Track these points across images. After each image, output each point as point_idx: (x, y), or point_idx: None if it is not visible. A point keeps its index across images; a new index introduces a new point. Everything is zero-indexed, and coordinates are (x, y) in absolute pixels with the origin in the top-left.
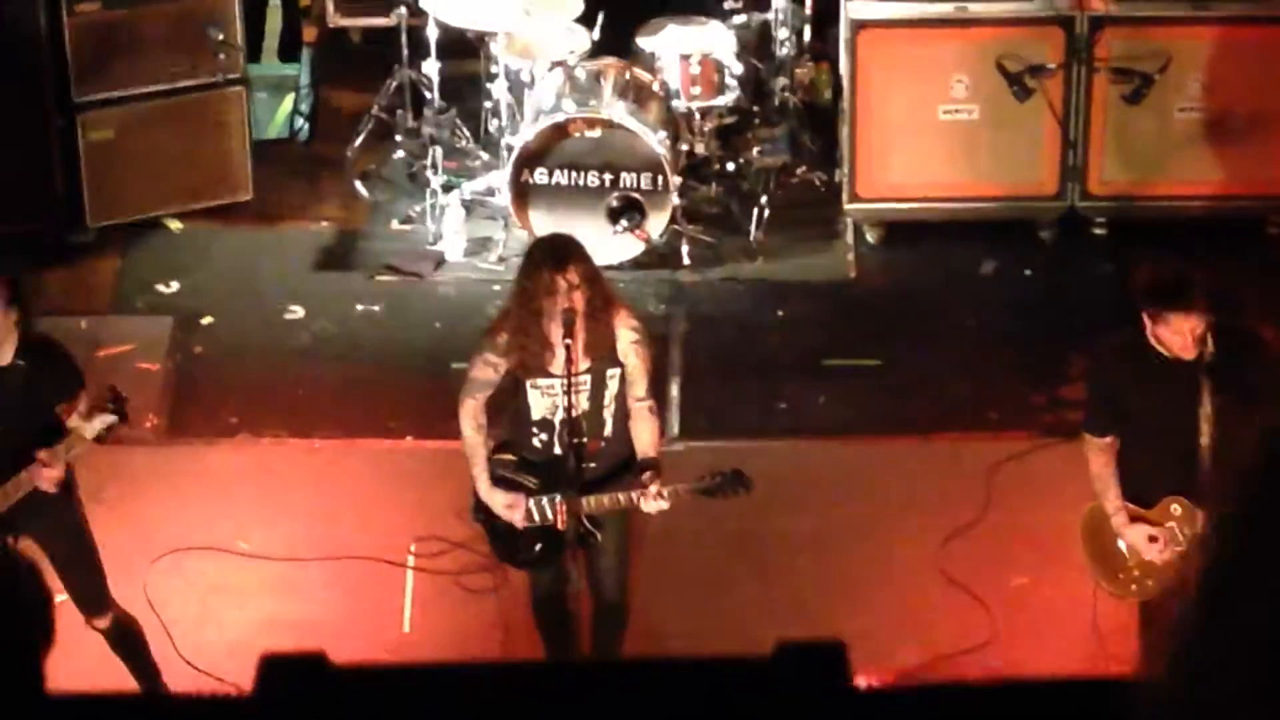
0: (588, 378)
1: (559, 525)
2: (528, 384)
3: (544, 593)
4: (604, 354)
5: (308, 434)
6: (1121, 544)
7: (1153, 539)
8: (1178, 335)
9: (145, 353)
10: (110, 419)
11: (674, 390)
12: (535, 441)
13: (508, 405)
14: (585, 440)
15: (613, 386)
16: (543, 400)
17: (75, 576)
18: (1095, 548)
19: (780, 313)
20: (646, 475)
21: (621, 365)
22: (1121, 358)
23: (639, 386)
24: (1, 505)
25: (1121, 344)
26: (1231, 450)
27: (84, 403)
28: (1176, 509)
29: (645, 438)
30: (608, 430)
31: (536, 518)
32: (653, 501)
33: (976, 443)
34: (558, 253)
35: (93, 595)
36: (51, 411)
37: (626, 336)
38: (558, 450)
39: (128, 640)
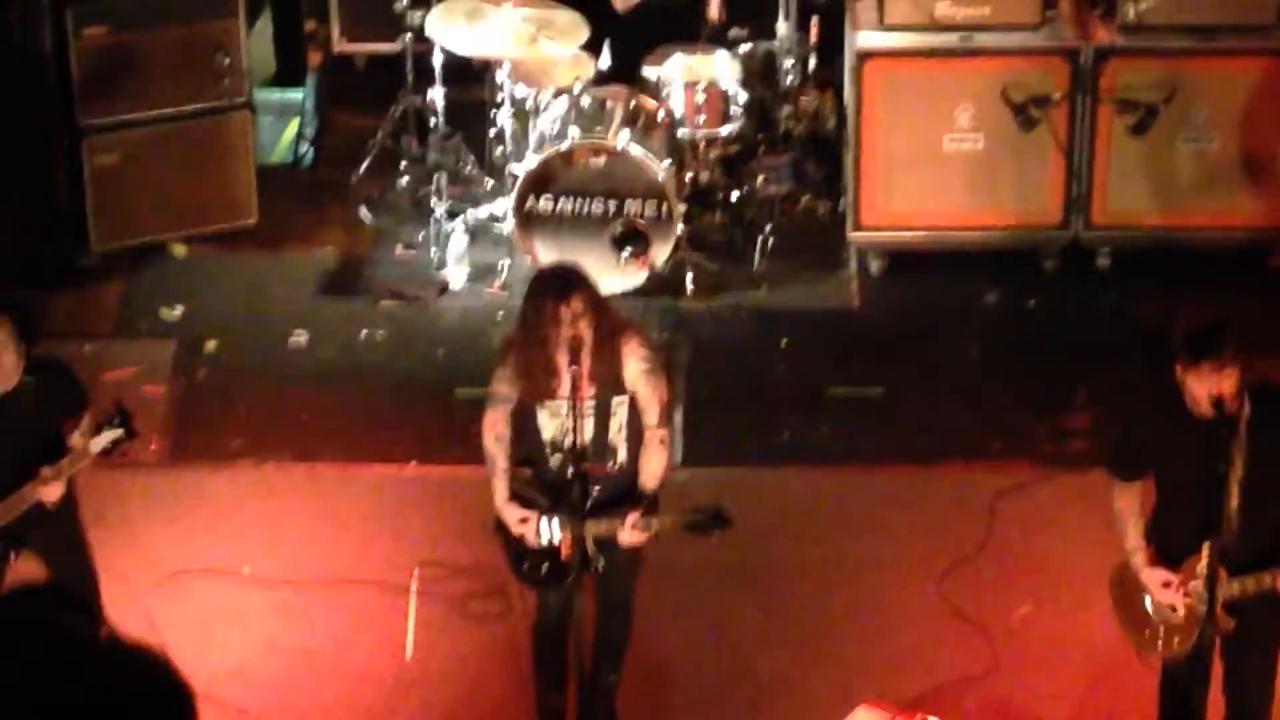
0: (593, 404)
1: (562, 551)
2: (537, 406)
3: (548, 619)
4: (610, 381)
5: (311, 458)
6: (1148, 600)
7: (1167, 584)
8: (1204, 385)
9: (149, 376)
10: (116, 434)
11: (677, 417)
12: (551, 461)
13: (525, 424)
14: (590, 465)
15: (621, 414)
16: (551, 422)
17: (70, 577)
18: (1122, 604)
19: (783, 341)
20: (633, 516)
21: (629, 393)
22: (1153, 410)
23: (650, 415)
24: (3, 519)
25: (1158, 393)
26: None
27: (88, 420)
28: (1202, 569)
29: (648, 469)
30: (620, 456)
31: (545, 538)
32: (630, 533)
33: (979, 472)
34: (561, 283)
35: (83, 584)
36: (56, 429)
37: (635, 365)
38: (569, 472)
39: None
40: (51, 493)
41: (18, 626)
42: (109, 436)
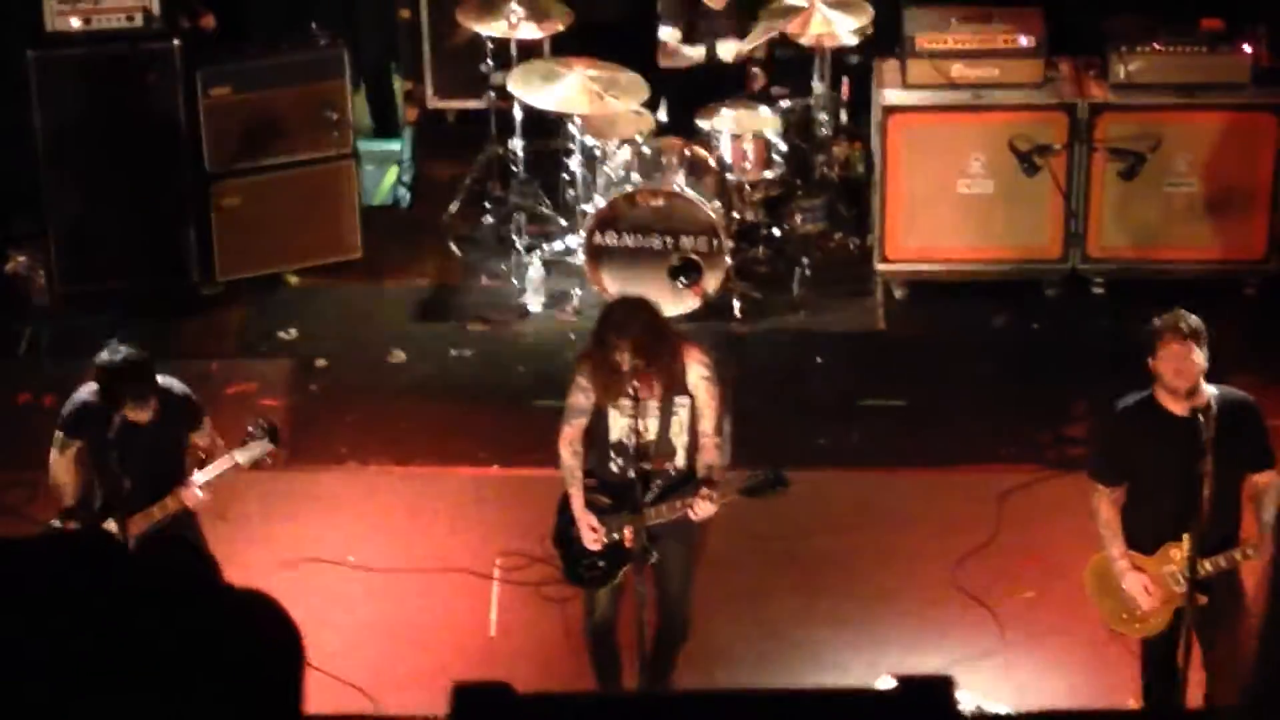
0: (657, 405)
1: (625, 544)
2: (610, 408)
3: (598, 618)
4: (674, 385)
5: (408, 462)
6: (1125, 588)
7: (1148, 589)
8: (1171, 363)
9: (267, 391)
10: (266, 446)
11: (727, 427)
12: (613, 466)
13: (596, 430)
14: (652, 462)
15: (682, 415)
16: (620, 421)
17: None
18: (1100, 592)
19: (818, 359)
20: (704, 489)
21: (691, 396)
22: (1131, 416)
23: (706, 421)
24: (144, 525)
25: (1132, 404)
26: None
27: (208, 425)
28: (1175, 554)
29: (705, 464)
30: (678, 457)
31: (610, 537)
32: (702, 504)
33: (989, 474)
34: (624, 323)
35: None
36: (182, 442)
37: (697, 371)
38: (631, 474)
39: None
40: (199, 498)
41: (155, 564)
42: (258, 449)
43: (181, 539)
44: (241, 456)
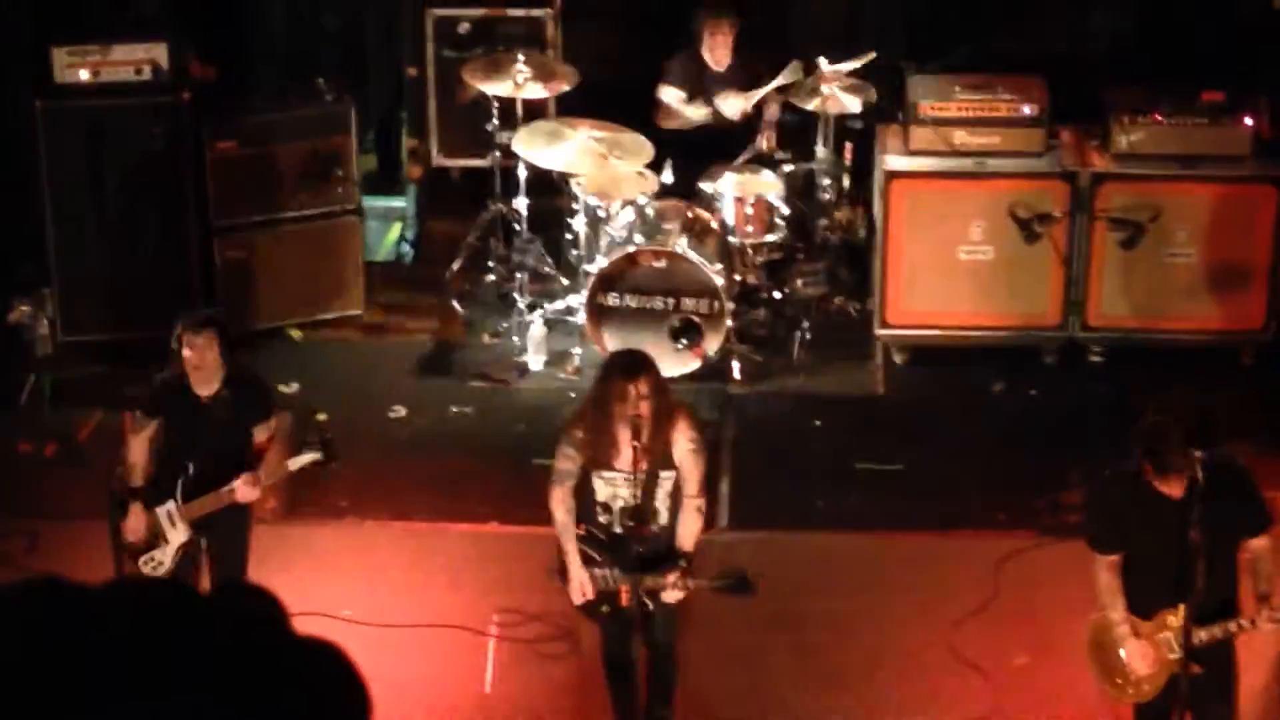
0: (643, 476)
1: (622, 601)
2: (594, 473)
3: (613, 646)
4: (659, 457)
5: (406, 517)
6: (1123, 653)
7: (1146, 654)
8: (1170, 488)
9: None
10: (316, 455)
11: (725, 488)
12: (600, 518)
13: (581, 488)
14: (636, 526)
15: (666, 485)
16: (605, 488)
17: (225, 567)
18: (1098, 656)
19: (818, 422)
20: (673, 576)
21: (675, 468)
22: (1123, 489)
23: (690, 486)
24: (199, 513)
25: (1123, 476)
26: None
27: (275, 422)
28: (1172, 621)
29: (685, 530)
30: (662, 519)
31: (603, 586)
32: (671, 592)
33: (986, 539)
34: (633, 366)
35: (234, 568)
36: (249, 433)
37: (683, 445)
38: (617, 529)
39: None
40: (249, 495)
41: (228, 612)
42: (309, 457)
43: (256, 587)
44: (293, 464)
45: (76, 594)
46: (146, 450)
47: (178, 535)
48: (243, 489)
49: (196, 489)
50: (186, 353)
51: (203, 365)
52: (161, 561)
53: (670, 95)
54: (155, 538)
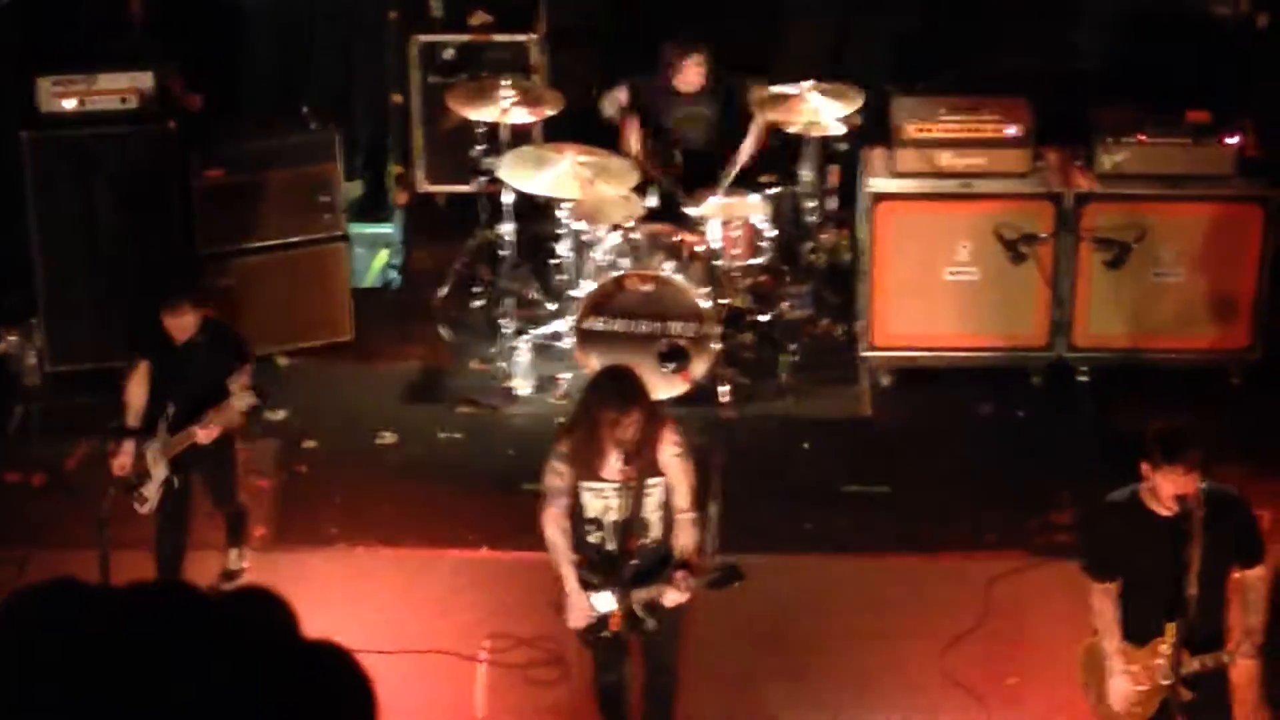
0: (630, 487)
1: (611, 625)
2: (581, 485)
3: (607, 674)
4: (646, 466)
5: (396, 543)
6: (1110, 685)
7: (1138, 682)
8: (1172, 484)
9: (256, 470)
10: (254, 400)
11: (713, 512)
12: (590, 537)
13: (570, 511)
14: (629, 539)
15: (656, 494)
16: (596, 501)
17: (217, 490)
18: (1091, 678)
19: (805, 445)
20: (678, 574)
21: (662, 475)
22: (1120, 514)
23: (679, 496)
24: (171, 451)
25: (1120, 500)
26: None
27: (248, 372)
28: (1164, 648)
29: (681, 543)
30: (654, 532)
31: (599, 610)
32: (672, 594)
33: (975, 560)
34: (624, 397)
35: (225, 495)
36: (224, 377)
37: (668, 450)
38: (610, 546)
39: (239, 519)
40: (206, 435)
41: (235, 614)
42: (249, 400)
43: (266, 591)
44: (236, 402)
45: (90, 595)
46: (139, 390)
47: (160, 471)
48: (200, 432)
49: (175, 429)
50: (171, 329)
51: (186, 330)
52: (147, 497)
53: (609, 102)
54: (142, 474)
